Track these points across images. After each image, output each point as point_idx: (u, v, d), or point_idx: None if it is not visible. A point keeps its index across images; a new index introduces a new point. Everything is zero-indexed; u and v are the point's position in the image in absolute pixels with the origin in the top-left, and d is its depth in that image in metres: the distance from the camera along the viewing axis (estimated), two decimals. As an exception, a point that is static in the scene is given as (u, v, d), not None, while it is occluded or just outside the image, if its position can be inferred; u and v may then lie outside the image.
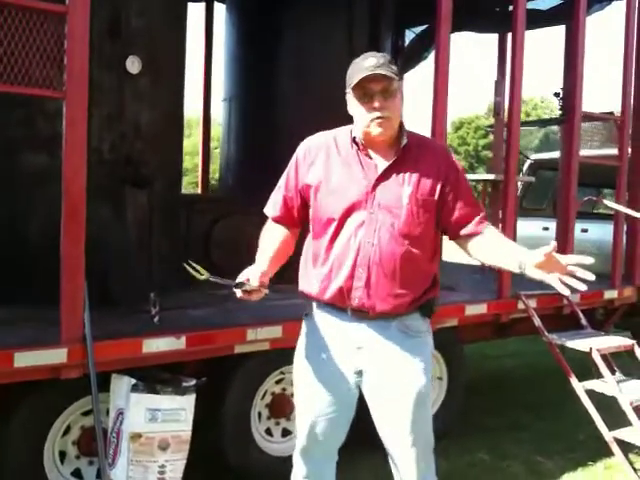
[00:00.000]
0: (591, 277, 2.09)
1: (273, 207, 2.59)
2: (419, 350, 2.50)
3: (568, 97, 6.36)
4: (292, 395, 3.86)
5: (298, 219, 2.57)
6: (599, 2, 5.87)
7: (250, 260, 4.46)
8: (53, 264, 2.92)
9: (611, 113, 7.33)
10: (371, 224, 2.39)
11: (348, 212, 2.40)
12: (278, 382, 3.84)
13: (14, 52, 2.74)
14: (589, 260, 2.11)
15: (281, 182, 2.59)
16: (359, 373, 2.48)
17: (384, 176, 2.41)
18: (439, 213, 2.46)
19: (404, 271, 2.40)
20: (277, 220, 2.58)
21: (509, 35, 7.08)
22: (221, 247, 4.51)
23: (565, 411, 5.12)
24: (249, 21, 5.29)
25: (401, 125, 2.49)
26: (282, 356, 3.64)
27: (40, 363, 2.83)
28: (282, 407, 3.85)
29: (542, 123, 7.60)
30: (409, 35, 7.72)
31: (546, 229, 7.72)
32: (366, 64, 2.32)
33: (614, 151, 5.58)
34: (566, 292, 2.18)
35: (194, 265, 2.34)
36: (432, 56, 7.61)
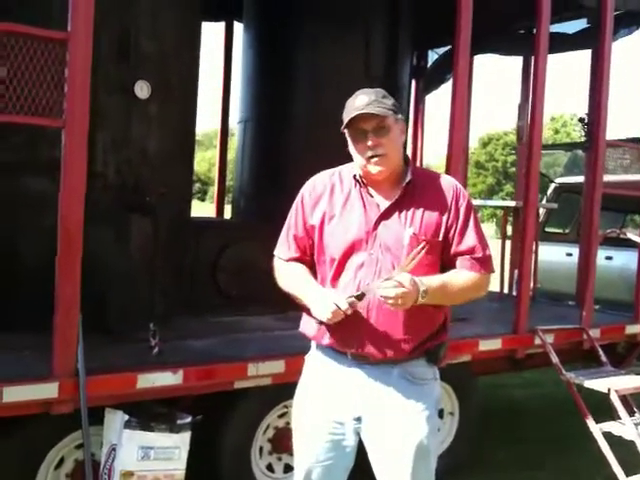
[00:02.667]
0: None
1: (288, 249, 2.49)
2: (422, 399, 2.39)
3: (592, 125, 6.24)
4: (296, 429, 3.81)
5: (311, 260, 2.48)
6: (627, 27, 5.70)
7: (258, 287, 4.36)
8: (51, 291, 2.86)
9: (638, 140, 7.18)
10: (371, 266, 2.30)
11: (348, 253, 2.33)
12: (281, 416, 3.74)
13: (12, 80, 2.68)
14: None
15: (289, 222, 2.52)
16: (358, 420, 2.39)
17: (385, 215, 2.33)
18: (444, 254, 2.36)
19: (406, 315, 2.29)
20: (293, 261, 2.48)
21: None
22: (229, 274, 4.43)
23: (581, 448, 4.96)
24: (265, 43, 5.22)
25: (407, 160, 2.40)
26: (286, 389, 3.56)
27: (30, 398, 2.75)
28: (285, 442, 3.72)
29: (566, 148, 7.42)
30: (432, 56, 7.65)
31: (569, 255, 7.54)
32: (357, 103, 2.28)
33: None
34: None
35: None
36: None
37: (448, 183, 2.43)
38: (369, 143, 2.27)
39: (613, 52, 4.85)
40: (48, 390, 2.78)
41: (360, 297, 2.21)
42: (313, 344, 2.53)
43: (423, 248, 2.23)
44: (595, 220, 4.98)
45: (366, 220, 2.33)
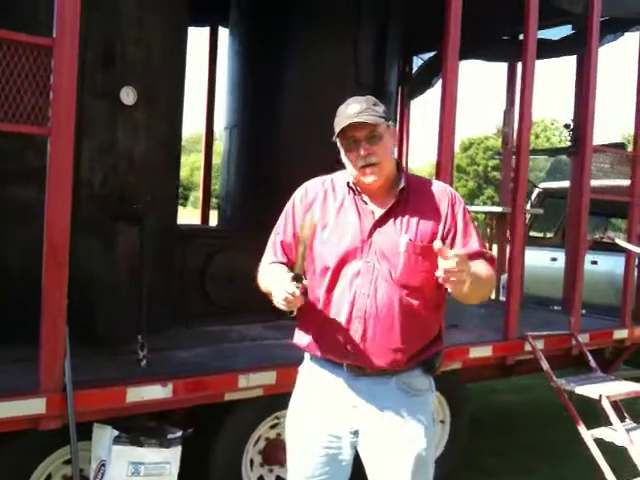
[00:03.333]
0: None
1: (274, 253, 2.44)
2: (419, 410, 2.35)
3: (577, 130, 6.26)
4: (287, 442, 3.75)
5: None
6: (613, 33, 5.72)
7: (247, 295, 4.30)
8: (37, 302, 2.78)
9: (622, 145, 7.22)
10: (367, 274, 2.26)
11: (343, 261, 2.28)
12: (273, 427, 3.68)
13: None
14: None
15: (278, 227, 2.48)
16: (355, 433, 2.34)
17: (380, 222, 2.29)
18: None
19: (403, 324, 2.26)
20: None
21: (519, 64, 7.04)
22: (217, 282, 4.36)
23: (571, 454, 4.96)
24: (251, 48, 5.16)
25: (398, 167, 2.37)
26: (277, 400, 3.50)
27: (17, 414, 2.67)
28: (276, 454, 3.67)
29: (552, 153, 7.45)
30: (416, 62, 7.64)
31: (554, 260, 7.56)
32: (349, 111, 2.24)
33: (621, 181, 5.42)
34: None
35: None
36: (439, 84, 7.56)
37: (441, 188, 2.39)
38: (362, 152, 2.23)
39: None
40: (35, 406, 2.70)
41: (297, 278, 2.08)
42: (307, 355, 2.48)
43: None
44: (583, 225, 4.98)
45: (361, 228, 2.29)
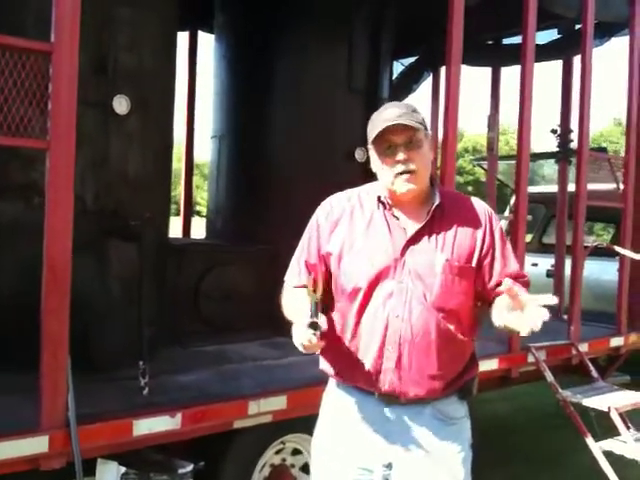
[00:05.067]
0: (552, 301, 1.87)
1: (298, 275, 2.26)
2: (457, 439, 2.22)
3: (564, 135, 6.23)
4: (292, 466, 3.57)
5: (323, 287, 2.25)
6: (599, 38, 5.68)
7: (241, 311, 4.12)
8: (27, 327, 2.58)
9: (604, 149, 7.23)
10: (401, 295, 2.10)
11: (375, 281, 2.12)
12: (278, 452, 3.50)
13: (-8, 96, 2.38)
14: (553, 300, 1.89)
15: (302, 246, 2.30)
16: (388, 466, 2.18)
17: (414, 240, 2.13)
18: (477, 281, 2.17)
19: (440, 349, 2.11)
20: (302, 288, 2.24)
21: (502, 69, 6.99)
22: (211, 299, 4.16)
23: (568, 463, 4.92)
24: (241, 53, 4.96)
25: (432, 181, 2.22)
26: (283, 425, 3.34)
27: (17, 455, 2.44)
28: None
29: (537, 158, 7.42)
30: (397, 67, 7.54)
31: (535, 265, 7.52)
32: (387, 115, 2.08)
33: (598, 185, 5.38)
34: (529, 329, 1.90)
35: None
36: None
37: (479, 206, 2.25)
38: (399, 157, 2.07)
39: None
40: (37, 444, 2.47)
41: (314, 326, 1.90)
42: (332, 381, 2.31)
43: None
44: (580, 231, 4.91)
45: (393, 246, 2.13)
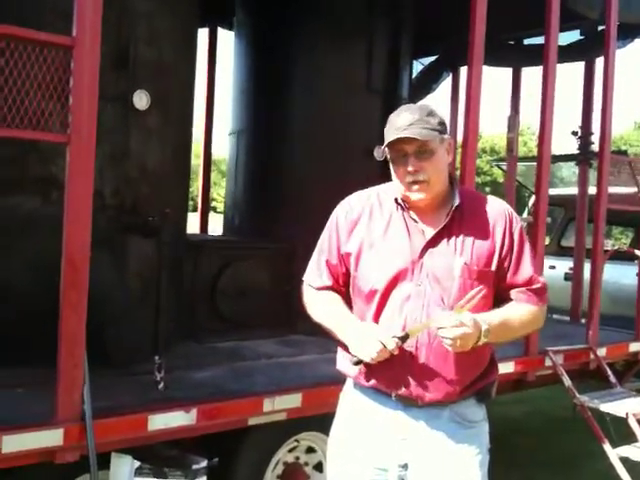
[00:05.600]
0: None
1: (319, 276, 2.26)
2: (474, 442, 2.20)
3: (585, 137, 6.17)
4: (305, 464, 3.56)
5: (345, 289, 2.26)
6: (622, 40, 5.62)
7: (257, 308, 4.09)
8: (45, 322, 2.57)
9: (625, 152, 7.15)
10: (418, 298, 2.09)
11: (392, 283, 2.11)
12: (291, 450, 3.49)
13: (12, 90, 2.39)
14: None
15: (321, 246, 2.29)
16: (404, 466, 2.17)
17: (432, 243, 2.12)
18: (496, 284, 2.16)
19: (457, 353, 2.07)
20: (326, 289, 2.25)
21: (523, 70, 6.93)
22: (228, 295, 4.16)
23: (583, 468, 4.86)
24: (260, 51, 4.96)
25: (452, 181, 2.19)
26: (297, 423, 3.33)
27: (32, 447, 2.44)
28: (295, 478, 3.49)
29: (557, 160, 7.35)
30: (416, 66, 7.49)
31: (553, 268, 7.45)
32: (398, 122, 2.07)
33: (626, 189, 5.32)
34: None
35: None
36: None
37: (499, 207, 2.22)
38: (409, 168, 2.06)
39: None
40: (52, 437, 2.47)
41: (404, 338, 2.00)
42: (349, 382, 2.30)
43: (480, 291, 2.04)
44: (600, 236, 4.86)
45: (411, 248, 2.11)
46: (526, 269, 2.17)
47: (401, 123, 2.06)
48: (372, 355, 1.98)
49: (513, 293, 2.17)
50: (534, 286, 2.17)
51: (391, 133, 2.06)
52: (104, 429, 2.59)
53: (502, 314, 2.11)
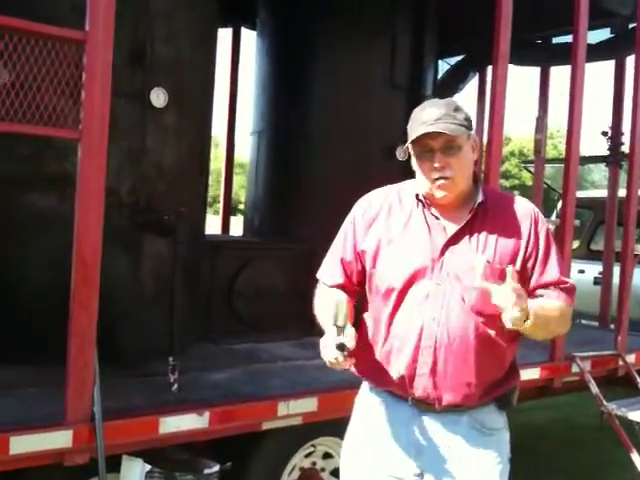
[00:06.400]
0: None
1: (332, 274, 2.19)
2: (494, 451, 2.11)
3: (616, 138, 6.02)
4: (322, 470, 3.49)
5: (358, 288, 2.19)
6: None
7: (274, 309, 4.04)
8: (58, 320, 2.54)
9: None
10: (437, 297, 2.01)
11: (410, 281, 2.03)
12: (308, 455, 3.42)
13: (23, 85, 2.35)
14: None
15: (337, 243, 2.22)
16: (420, 475, 2.09)
17: (454, 240, 2.04)
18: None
19: (478, 355, 2.01)
20: (337, 287, 2.17)
21: (551, 69, 6.79)
22: (246, 297, 4.10)
23: (609, 477, 4.72)
24: (281, 48, 4.91)
25: (475, 179, 2.12)
26: (314, 428, 3.26)
27: (41, 449, 2.40)
28: (312, 484, 3.42)
29: (587, 161, 7.20)
30: (442, 66, 7.39)
31: (582, 272, 7.29)
32: (425, 116, 1.99)
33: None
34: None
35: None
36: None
37: (525, 206, 2.13)
38: (436, 164, 1.99)
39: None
40: (61, 439, 2.43)
41: (342, 347, 1.84)
42: (365, 384, 2.23)
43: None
44: (631, 238, 4.71)
45: (431, 245, 2.03)
46: (553, 270, 2.07)
47: (427, 117, 1.98)
48: (328, 364, 1.90)
49: (542, 292, 2.06)
50: (562, 285, 2.08)
51: (417, 128, 1.99)
52: (114, 431, 2.55)
53: (542, 304, 1.98)
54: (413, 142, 2.01)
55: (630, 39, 5.06)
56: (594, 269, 7.02)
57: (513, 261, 2.03)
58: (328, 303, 2.07)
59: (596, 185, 8.61)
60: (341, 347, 1.83)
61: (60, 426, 2.45)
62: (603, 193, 6.58)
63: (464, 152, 2.02)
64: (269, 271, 4.14)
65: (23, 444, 2.36)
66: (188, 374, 3.18)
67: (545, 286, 2.06)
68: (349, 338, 1.85)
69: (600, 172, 8.36)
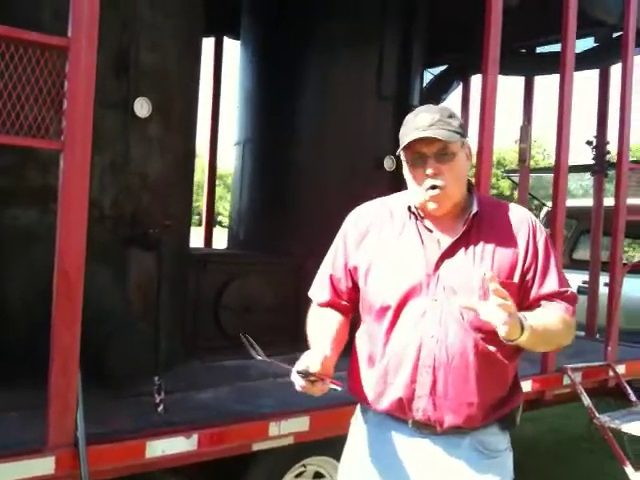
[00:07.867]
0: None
1: (321, 291, 2.12)
2: (498, 474, 2.02)
3: (600, 147, 6.01)
4: (314, 491, 3.38)
5: (350, 305, 2.10)
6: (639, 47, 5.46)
7: (262, 325, 3.95)
8: (40, 339, 2.43)
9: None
10: (435, 313, 1.92)
11: (406, 298, 1.94)
12: (298, 476, 3.31)
13: (2, 94, 2.25)
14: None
15: (327, 260, 2.14)
16: (419, 502, 1.98)
17: (449, 253, 1.95)
18: (521, 298, 1.98)
19: (479, 374, 1.92)
20: (326, 305, 2.11)
21: (535, 78, 6.78)
22: (232, 312, 3.99)
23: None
24: (267, 59, 4.83)
25: (470, 188, 2.04)
26: (305, 447, 3.15)
27: (21, 477, 2.27)
28: (302, 506, 3.31)
29: (572, 171, 7.18)
30: (426, 76, 7.36)
31: (565, 281, 7.28)
32: (418, 123, 1.90)
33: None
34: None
35: (252, 342, 1.86)
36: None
37: (521, 214, 2.05)
38: (428, 171, 1.91)
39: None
40: (43, 465, 2.30)
41: (305, 374, 1.76)
42: (360, 406, 2.13)
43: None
44: (619, 248, 4.69)
45: (425, 260, 1.95)
46: (552, 281, 1.99)
47: (421, 123, 1.90)
48: (297, 388, 1.82)
49: (543, 303, 1.98)
50: (563, 295, 2.00)
51: (410, 133, 1.90)
52: (99, 456, 2.42)
53: (539, 315, 1.91)
54: (405, 148, 1.93)
55: (615, 48, 5.05)
56: (577, 278, 7.00)
57: (512, 273, 1.96)
58: (319, 322, 2.04)
59: (573, 194, 8.60)
60: (304, 373, 1.74)
61: (42, 452, 2.32)
62: (586, 202, 6.57)
63: (458, 159, 1.94)
64: (256, 286, 4.04)
65: (2, 473, 2.23)
66: (174, 394, 3.08)
67: (545, 297, 1.99)
68: (315, 362, 1.77)
69: (576, 181, 8.36)
